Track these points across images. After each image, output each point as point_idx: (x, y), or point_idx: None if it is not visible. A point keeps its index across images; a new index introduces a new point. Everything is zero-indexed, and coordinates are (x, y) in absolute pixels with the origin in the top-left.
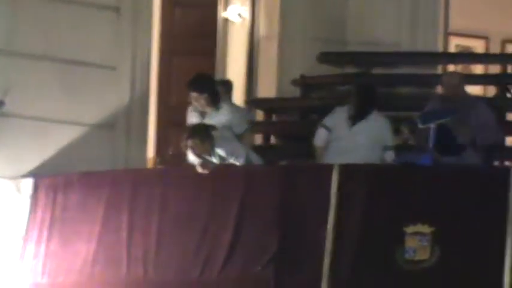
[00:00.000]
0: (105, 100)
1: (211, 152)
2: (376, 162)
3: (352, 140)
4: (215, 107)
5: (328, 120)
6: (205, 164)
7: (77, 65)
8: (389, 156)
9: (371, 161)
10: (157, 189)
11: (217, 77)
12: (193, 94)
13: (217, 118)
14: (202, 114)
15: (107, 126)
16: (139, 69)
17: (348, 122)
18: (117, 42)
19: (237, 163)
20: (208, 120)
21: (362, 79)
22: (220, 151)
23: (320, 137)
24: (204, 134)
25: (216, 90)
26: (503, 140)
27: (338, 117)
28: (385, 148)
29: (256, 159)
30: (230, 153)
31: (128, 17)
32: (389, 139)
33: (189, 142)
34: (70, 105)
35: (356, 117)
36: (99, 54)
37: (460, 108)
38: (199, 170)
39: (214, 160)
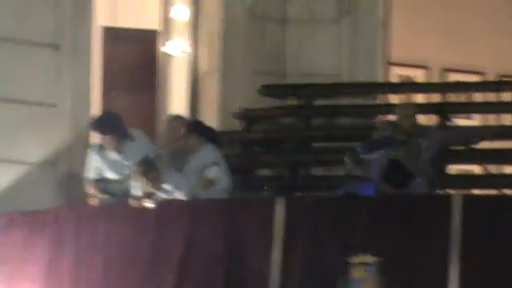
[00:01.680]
0: (46, 138)
1: (159, 186)
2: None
3: None
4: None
5: None
6: (151, 197)
7: (17, 103)
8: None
9: None
10: (100, 226)
11: (159, 111)
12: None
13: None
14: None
15: (49, 164)
16: (79, 106)
17: None
18: (57, 79)
19: (182, 196)
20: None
21: (303, 111)
22: (166, 187)
23: None
24: (152, 168)
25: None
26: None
27: None
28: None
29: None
30: (178, 190)
31: (67, 53)
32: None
33: (136, 172)
34: (11, 143)
35: None
36: (39, 91)
37: (411, 139)
38: (146, 204)
39: (162, 194)
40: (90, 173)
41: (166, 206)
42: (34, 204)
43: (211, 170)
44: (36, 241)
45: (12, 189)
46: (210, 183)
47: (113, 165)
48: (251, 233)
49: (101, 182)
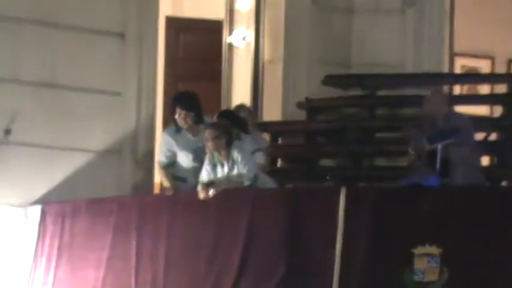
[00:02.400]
0: (111, 126)
1: (226, 152)
2: None
3: None
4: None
5: None
6: (205, 187)
7: (82, 91)
8: (259, 157)
9: None
10: (164, 215)
11: (223, 101)
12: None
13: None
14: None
15: (114, 152)
16: (144, 95)
17: None
18: (122, 68)
19: (245, 174)
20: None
21: (367, 101)
22: (235, 154)
23: None
24: (223, 130)
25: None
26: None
27: None
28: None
29: (269, 182)
30: (244, 162)
31: (133, 42)
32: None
33: (207, 132)
34: (76, 132)
35: None
36: (105, 80)
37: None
38: (201, 195)
39: (225, 165)
40: (162, 156)
41: (229, 195)
42: (99, 192)
43: (258, 155)
44: (100, 229)
45: (78, 177)
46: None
47: (187, 147)
48: (314, 223)
49: (172, 167)
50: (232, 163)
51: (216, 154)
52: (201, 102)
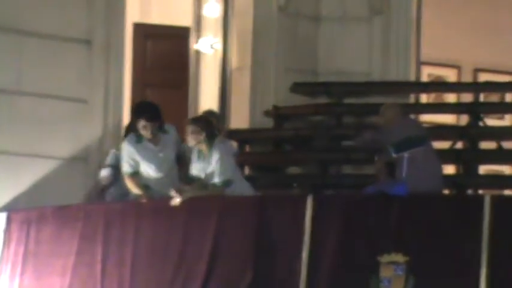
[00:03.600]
0: (77, 133)
1: (208, 147)
2: None
3: None
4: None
5: None
6: (179, 190)
7: (48, 98)
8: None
9: None
10: (130, 221)
11: (190, 108)
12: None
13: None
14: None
15: (80, 159)
16: (111, 102)
17: None
18: (89, 75)
19: (219, 174)
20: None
21: (334, 109)
22: (215, 153)
23: None
24: (203, 125)
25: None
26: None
27: None
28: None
29: (247, 189)
30: (221, 163)
31: (100, 49)
32: None
33: (188, 128)
34: (43, 139)
35: None
36: (71, 87)
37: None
38: (173, 194)
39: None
40: (127, 166)
41: (196, 202)
42: (65, 199)
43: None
44: (66, 236)
45: (44, 184)
46: None
47: (149, 158)
48: (281, 231)
49: (137, 176)
50: (207, 160)
51: (199, 149)
52: (161, 111)
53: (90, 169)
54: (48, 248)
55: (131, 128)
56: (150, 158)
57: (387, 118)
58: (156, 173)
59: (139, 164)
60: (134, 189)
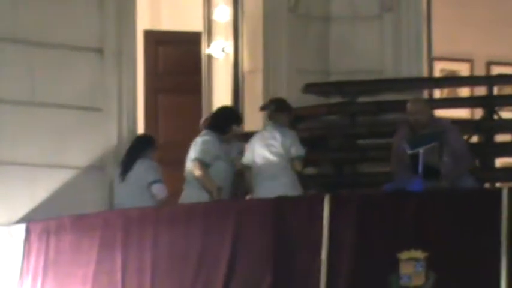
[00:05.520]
0: (93, 142)
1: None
2: None
3: None
4: None
5: None
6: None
7: (62, 108)
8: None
9: None
10: (149, 228)
11: (204, 112)
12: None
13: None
14: None
15: (96, 168)
16: (125, 109)
17: None
18: (102, 83)
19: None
20: None
21: (348, 108)
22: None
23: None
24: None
25: None
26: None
27: None
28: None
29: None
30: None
31: (112, 57)
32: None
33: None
34: (58, 149)
35: None
36: (84, 96)
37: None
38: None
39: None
40: (207, 157)
41: (213, 206)
42: (83, 208)
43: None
44: (85, 244)
45: (61, 194)
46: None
47: (226, 159)
48: (299, 232)
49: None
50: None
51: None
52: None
53: (106, 177)
54: (68, 258)
55: (217, 126)
56: (228, 160)
57: (429, 113)
58: (225, 179)
59: (215, 161)
60: (208, 180)
